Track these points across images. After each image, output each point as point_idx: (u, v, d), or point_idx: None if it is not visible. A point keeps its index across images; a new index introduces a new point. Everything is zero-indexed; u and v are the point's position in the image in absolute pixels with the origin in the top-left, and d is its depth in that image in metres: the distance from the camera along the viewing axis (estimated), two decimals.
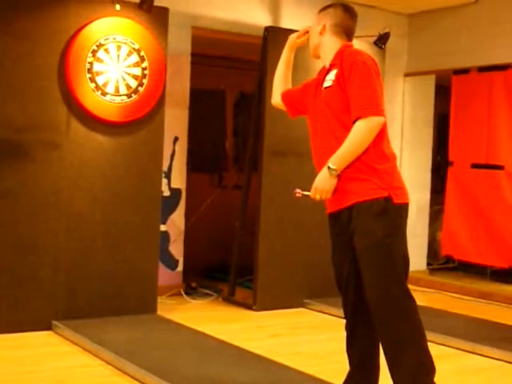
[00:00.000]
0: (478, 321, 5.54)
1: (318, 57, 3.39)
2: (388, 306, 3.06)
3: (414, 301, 3.09)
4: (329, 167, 3.04)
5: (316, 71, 6.22)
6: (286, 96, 3.64)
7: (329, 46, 3.30)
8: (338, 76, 3.13)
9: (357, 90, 3.05)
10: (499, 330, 5.29)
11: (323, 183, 3.06)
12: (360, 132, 3.01)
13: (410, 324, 3.05)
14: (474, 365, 4.50)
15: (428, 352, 3.11)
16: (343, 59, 3.15)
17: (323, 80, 3.26)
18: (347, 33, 3.34)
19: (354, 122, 3.03)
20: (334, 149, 3.09)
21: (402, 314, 3.05)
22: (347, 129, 3.07)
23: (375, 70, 3.11)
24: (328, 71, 3.26)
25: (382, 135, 3.10)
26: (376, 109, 3.01)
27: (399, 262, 3.07)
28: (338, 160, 3.04)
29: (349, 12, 3.39)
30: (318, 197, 3.09)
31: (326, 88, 3.21)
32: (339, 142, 3.08)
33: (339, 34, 3.30)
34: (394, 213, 3.06)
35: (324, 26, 3.30)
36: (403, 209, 3.12)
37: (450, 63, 7.08)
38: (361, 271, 3.12)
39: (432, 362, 3.12)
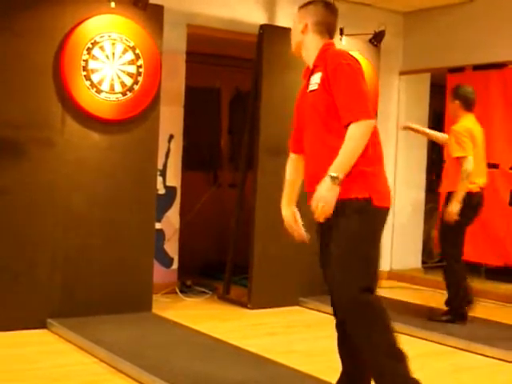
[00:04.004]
0: (473, 319, 5.54)
1: (300, 55, 3.34)
2: (348, 301, 3.08)
3: (377, 300, 3.08)
4: (331, 176, 2.96)
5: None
6: (298, 149, 3.46)
7: (311, 44, 3.26)
8: (323, 79, 3.10)
9: (344, 94, 3.02)
10: (494, 328, 5.31)
11: (326, 193, 2.97)
12: (354, 138, 2.98)
13: (369, 320, 3.05)
14: (469, 363, 4.51)
15: (394, 345, 3.08)
16: (327, 62, 3.11)
17: (308, 83, 3.24)
18: (329, 30, 3.28)
19: (346, 127, 3.00)
20: (319, 152, 3.11)
21: (361, 310, 3.05)
22: (333, 133, 3.07)
23: (360, 71, 3.10)
24: (312, 72, 3.23)
25: (370, 137, 3.05)
26: (366, 112, 3.00)
27: (368, 262, 3.08)
28: (339, 167, 2.97)
29: (330, 9, 3.31)
30: (320, 206, 2.99)
31: (311, 91, 3.18)
32: (325, 145, 3.09)
33: (321, 33, 3.25)
34: (372, 214, 3.06)
35: (306, 25, 3.25)
36: (382, 212, 3.11)
37: (446, 61, 7.09)
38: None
39: (400, 351, 3.08)
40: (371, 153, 3.07)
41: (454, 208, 5.10)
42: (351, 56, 3.14)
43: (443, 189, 5.43)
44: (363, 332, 3.05)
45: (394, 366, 3.07)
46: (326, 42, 3.26)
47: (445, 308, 5.42)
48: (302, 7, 3.32)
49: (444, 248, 5.41)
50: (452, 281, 5.40)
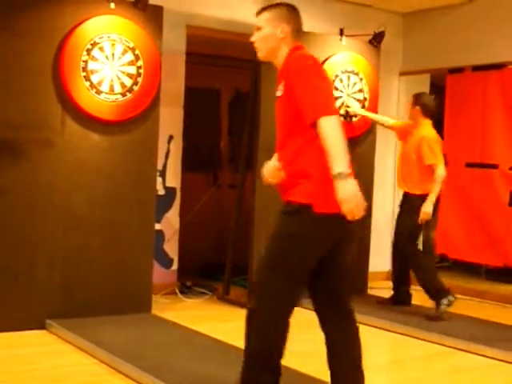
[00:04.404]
0: (473, 319, 5.55)
1: (271, 60, 3.25)
2: (260, 294, 3.16)
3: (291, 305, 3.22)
4: (335, 176, 2.86)
5: None
6: None
7: (284, 50, 3.17)
8: (286, 85, 3.06)
9: (305, 94, 2.97)
10: (494, 328, 5.31)
11: (344, 192, 2.84)
12: (327, 135, 2.89)
13: (266, 317, 3.17)
14: (469, 363, 4.51)
15: (271, 352, 3.18)
16: (289, 67, 3.06)
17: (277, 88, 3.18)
18: (300, 34, 3.23)
19: (312, 126, 2.94)
20: (283, 158, 3.09)
21: (265, 306, 3.16)
22: (295, 137, 3.05)
23: (322, 71, 3.09)
24: (279, 78, 3.17)
25: (318, 140, 2.96)
26: (327, 108, 2.93)
27: (294, 265, 3.07)
28: (335, 164, 2.88)
29: (298, 12, 3.24)
30: (350, 208, 2.85)
31: (277, 97, 3.14)
32: (288, 150, 3.07)
33: (296, 38, 3.19)
34: (309, 220, 3.00)
35: (285, 32, 3.15)
36: (323, 218, 2.99)
37: (445, 62, 7.09)
38: None
39: (275, 362, 3.18)
40: (317, 156, 2.98)
41: (429, 209, 5.51)
42: (312, 57, 3.10)
43: (410, 190, 5.67)
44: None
45: (256, 375, 3.15)
46: (294, 45, 3.17)
47: (432, 304, 5.58)
48: (270, 10, 3.20)
49: (409, 246, 5.67)
50: (422, 275, 5.63)
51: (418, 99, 5.70)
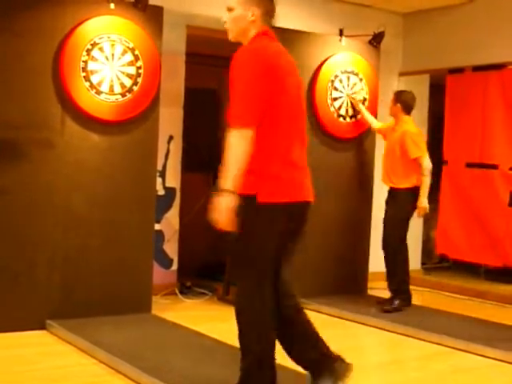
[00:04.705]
0: (473, 320, 5.56)
1: (240, 41, 3.26)
2: (237, 293, 3.24)
3: (262, 293, 3.17)
4: (220, 188, 3.01)
5: (311, 70, 6.25)
6: None
7: (253, 32, 3.20)
8: (229, 76, 3.10)
9: (232, 98, 3.02)
10: (493, 328, 5.31)
11: (218, 205, 3.00)
12: (229, 146, 2.98)
13: (245, 311, 3.18)
14: (469, 363, 4.51)
15: (266, 349, 3.20)
16: (233, 58, 3.08)
17: None
18: (270, 18, 3.25)
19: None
20: None
21: (240, 292, 3.21)
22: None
23: (259, 71, 3.03)
24: None
25: (269, 135, 3.07)
26: (240, 119, 2.97)
27: (253, 259, 3.14)
28: (223, 178, 3.00)
29: None
30: (216, 222, 2.98)
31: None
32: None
33: (265, 22, 3.22)
34: (256, 210, 3.08)
35: (255, 15, 3.19)
36: (269, 208, 3.07)
37: (445, 62, 7.09)
38: None
39: (271, 358, 3.21)
40: (267, 150, 3.07)
41: (425, 203, 5.67)
42: (256, 53, 3.08)
43: (395, 184, 5.75)
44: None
45: (257, 374, 3.18)
46: (262, 30, 3.20)
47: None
48: None
49: (395, 240, 5.79)
50: (400, 268, 5.81)
51: (398, 97, 5.83)
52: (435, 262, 8.03)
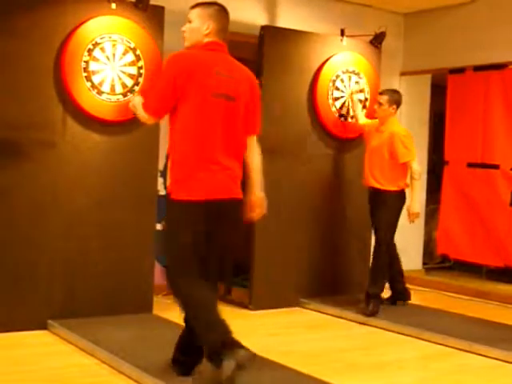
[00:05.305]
0: (475, 320, 5.55)
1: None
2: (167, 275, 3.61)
3: (190, 282, 3.49)
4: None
5: (312, 70, 6.25)
6: None
7: (202, 44, 3.59)
8: None
9: (150, 88, 3.72)
10: (496, 329, 5.30)
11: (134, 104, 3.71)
12: (141, 116, 3.61)
13: (181, 297, 3.51)
14: (471, 364, 4.51)
15: (211, 321, 3.46)
16: None
17: None
18: (224, 33, 3.61)
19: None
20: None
21: (173, 287, 3.56)
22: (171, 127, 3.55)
23: (171, 71, 3.47)
24: None
25: (182, 133, 3.47)
26: (148, 106, 3.54)
27: (178, 250, 3.50)
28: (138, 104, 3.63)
29: (227, 14, 3.63)
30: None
31: None
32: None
33: (218, 36, 3.58)
34: (172, 207, 3.51)
35: (209, 28, 3.56)
36: (183, 205, 3.45)
37: (446, 62, 7.08)
38: None
39: (212, 319, 3.46)
40: (181, 145, 3.47)
41: (417, 209, 5.60)
42: (175, 57, 3.53)
43: (384, 186, 5.55)
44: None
45: (211, 339, 3.40)
46: (210, 41, 3.57)
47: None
48: (204, 8, 3.61)
49: (383, 240, 5.58)
50: (382, 268, 5.62)
51: (392, 98, 5.61)
52: (437, 262, 8.02)
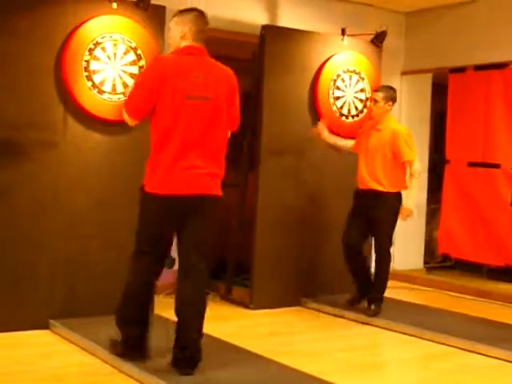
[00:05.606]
0: (476, 319, 5.55)
1: None
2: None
3: (141, 264, 4.07)
4: None
5: (313, 69, 6.24)
6: None
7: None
8: None
9: (131, 90, 3.95)
10: (497, 328, 5.30)
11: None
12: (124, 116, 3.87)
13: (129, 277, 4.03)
14: (473, 363, 4.51)
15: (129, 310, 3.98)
16: None
17: None
18: (201, 36, 3.84)
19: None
20: None
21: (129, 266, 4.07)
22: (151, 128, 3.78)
23: (151, 73, 3.74)
24: None
25: (158, 133, 3.71)
26: (128, 108, 3.80)
27: (140, 238, 4.02)
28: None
29: (203, 17, 3.86)
30: None
31: None
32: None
33: (195, 40, 3.80)
34: (143, 199, 3.85)
35: (183, 32, 3.78)
36: (154, 198, 3.77)
37: (447, 62, 7.09)
38: None
39: (134, 316, 4.00)
40: (155, 144, 3.71)
41: (411, 205, 5.44)
42: (156, 60, 3.88)
43: (386, 188, 5.38)
44: None
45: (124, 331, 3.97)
46: (185, 45, 3.80)
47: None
48: (180, 16, 3.84)
49: (386, 243, 5.50)
50: (384, 281, 5.56)
51: (387, 94, 5.46)
52: (438, 261, 8.02)
